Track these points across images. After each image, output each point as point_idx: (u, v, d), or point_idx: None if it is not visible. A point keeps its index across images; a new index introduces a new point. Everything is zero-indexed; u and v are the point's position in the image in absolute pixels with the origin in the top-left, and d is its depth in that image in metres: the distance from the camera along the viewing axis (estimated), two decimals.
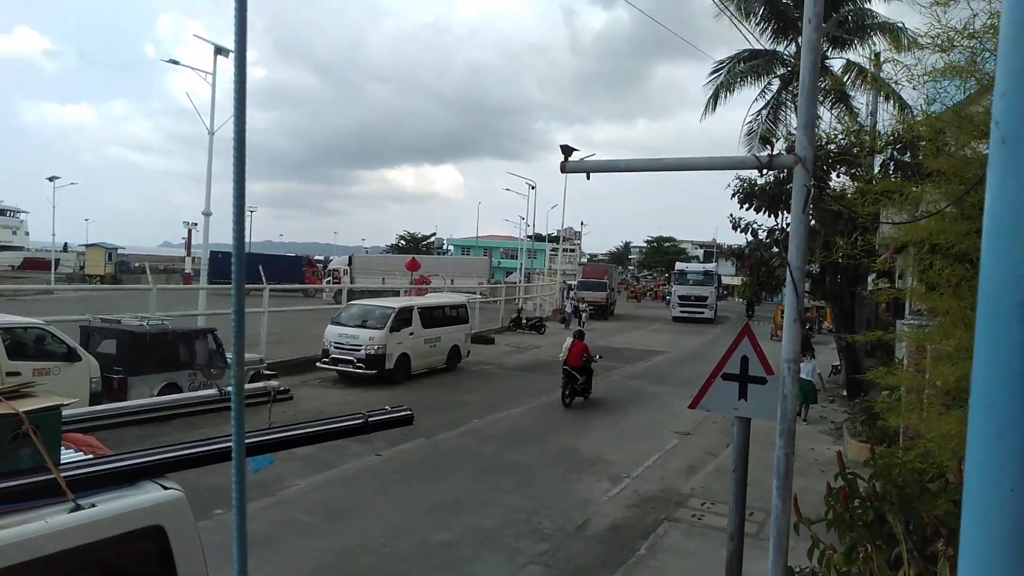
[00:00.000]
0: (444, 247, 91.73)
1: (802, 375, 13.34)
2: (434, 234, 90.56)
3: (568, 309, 37.08)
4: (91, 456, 2.97)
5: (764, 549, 5.28)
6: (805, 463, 11.35)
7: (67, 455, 2.91)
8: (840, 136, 13.15)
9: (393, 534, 8.31)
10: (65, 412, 2.90)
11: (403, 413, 3.98)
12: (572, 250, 65.20)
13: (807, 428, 14.36)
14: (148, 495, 2.74)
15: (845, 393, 18.39)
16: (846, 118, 16.36)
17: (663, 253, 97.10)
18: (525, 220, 51.72)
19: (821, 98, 18.15)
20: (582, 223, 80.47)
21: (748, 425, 4.61)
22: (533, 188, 47.93)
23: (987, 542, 0.79)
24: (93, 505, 2.54)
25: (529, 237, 52.86)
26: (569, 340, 16.54)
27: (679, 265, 51.19)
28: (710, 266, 49.47)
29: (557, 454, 12.16)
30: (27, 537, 2.35)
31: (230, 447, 3.05)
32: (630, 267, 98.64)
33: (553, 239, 58.52)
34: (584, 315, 36.66)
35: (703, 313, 42.71)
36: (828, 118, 18.86)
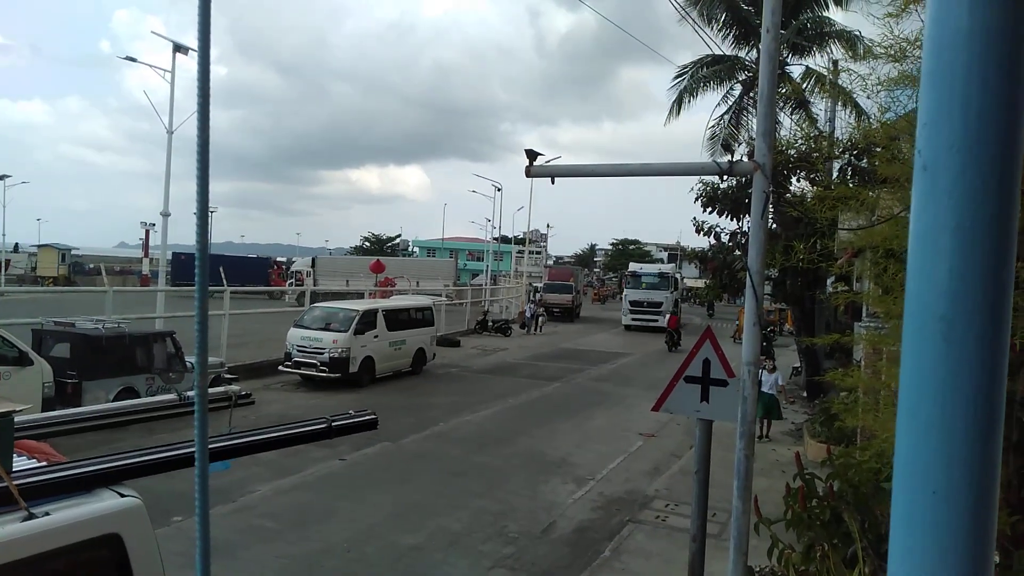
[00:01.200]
0: (409, 249, 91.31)
1: (764, 388, 13.01)
2: (399, 236, 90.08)
3: (528, 314, 35.87)
4: (45, 463, 2.91)
5: (726, 549, 5.37)
6: (767, 463, 11.56)
7: (19, 462, 2.84)
8: (799, 142, 13.43)
9: (359, 539, 8.24)
10: (17, 418, 2.83)
11: (367, 417, 3.96)
12: (538, 252, 65.41)
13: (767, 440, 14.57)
14: (104, 503, 2.69)
15: (805, 395, 18.77)
16: (805, 124, 16.72)
17: (628, 255, 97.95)
18: (491, 222, 51.76)
19: (781, 104, 18.53)
20: (548, 225, 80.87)
21: (710, 427, 4.69)
22: (499, 190, 48.02)
23: (912, 540, 0.84)
24: (47, 514, 2.49)
25: (495, 239, 52.89)
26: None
27: (632, 266, 44.80)
28: (668, 268, 43.16)
29: (523, 457, 12.19)
30: None
31: (189, 453, 3.02)
32: (596, 269, 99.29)
33: (519, 241, 58.63)
34: (542, 319, 35.79)
35: (656, 320, 36.03)
36: (788, 124, 19.25)
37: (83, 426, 3.96)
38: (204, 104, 1.25)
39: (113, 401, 10.99)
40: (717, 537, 8.34)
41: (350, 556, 7.79)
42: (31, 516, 2.44)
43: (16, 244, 67.60)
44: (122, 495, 2.75)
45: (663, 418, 15.13)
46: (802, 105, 20.07)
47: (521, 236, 59.41)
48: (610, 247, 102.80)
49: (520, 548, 8.27)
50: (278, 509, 9.03)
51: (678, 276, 41.76)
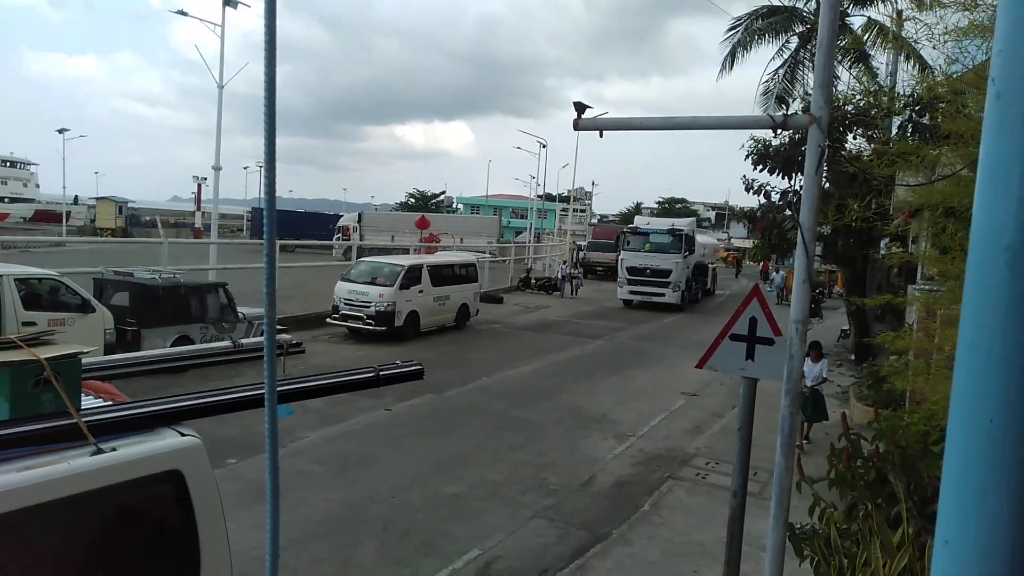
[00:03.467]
0: (454, 205, 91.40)
1: (808, 381, 10.38)
2: (444, 192, 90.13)
3: (559, 275, 32.28)
4: (110, 403, 3.05)
5: (766, 508, 5.37)
6: (815, 427, 11.45)
7: (87, 401, 2.98)
8: (858, 97, 12.93)
9: (403, 486, 8.49)
10: (84, 360, 2.97)
11: (414, 368, 4.04)
12: (583, 210, 64.80)
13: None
14: (166, 441, 2.81)
15: (853, 357, 18.44)
16: (865, 78, 16.06)
17: (675, 214, 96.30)
18: (535, 179, 51.41)
19: (840, 57, 17.78)
20: (593, 183, 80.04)
21: (755, 385, 4.66)
22: (544, 147, 47.52)
23: (966, 471, 0.84)
24: (114, 449, 2.62)
25: (539, 197, 52.58)
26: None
27: (637, 220, 35.41)
28: (684, 223, 31.55)
29: (564, 412, 12.31)
30: (51, 478, 2.43)
31: (247, 396, 3.13)
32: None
33: (563, 199, 58.17)
34: (577, 281, 32.54)
35: (663, 296, 28.25)
36: (846, 78, 18.49)
37: (143, 369, 4.13)
38: (271, 61, 1.28)
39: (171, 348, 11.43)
40: (757, 496, 8.36)
41: (394, 502, 8.04)
42: (99, 451, 2.58)
43: (76, 196, 69.89)
44: (183, 434, 2.88)
45: (705, 377, 15.05)
46: (862, 59, 19.24)
47: (565, 194, 58.94)
48: (656, 206, 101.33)
49: (560, 500, 8.42)
50: (326, 455, 9.34)
51: (694, 235, 31.42)
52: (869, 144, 12.03)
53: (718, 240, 46.23)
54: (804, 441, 11.06)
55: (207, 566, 2.82)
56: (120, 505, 2.76)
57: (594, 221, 67.64)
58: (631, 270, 28.85)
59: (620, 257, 30.03)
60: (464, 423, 11.27)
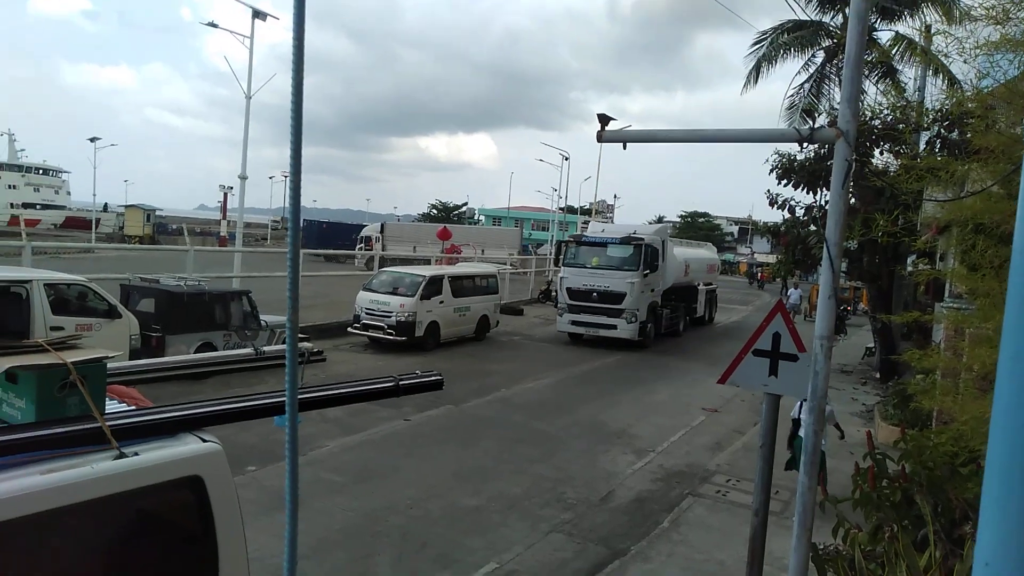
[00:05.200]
0: (475, 217, 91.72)
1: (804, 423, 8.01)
2: (466, 203, 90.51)
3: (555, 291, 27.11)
4: (134, 407, 3.08)
5: (788, 528, 5.29)
6: (834, 444, 11.26)
7: (111, 405, 3.01)
8: (885, 111, 12.80)
9: (421, 497, 8.48)
10: (109, 365, 3.00)
11: (433, 378, 4.03)
12: (604, 223, 64.60)
13: (837, 408, 14.12)
14: (188, 446, 2.83)
15: (878, 376, 18.15)
16: (892, 93, 15.90)
17: (697, 228, 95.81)
18: (557, 192, 51.44)
19: (867, 71, 17.65)
20: (615, 196, 79.92)
21: (777, 402, 4.59)
22: (567, 159, 47.60)
23: (1009, 490, 0.81)
24: (136, 454, 2.64)
25: (561, 209, 52.60)
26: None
27: (591, 227, 26.25)
28: (649, 232, 23.07)
29: (583, 426, 12.23)
30: (74, 481, 2.45)
31: (267, 404, 3.15)
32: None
33: (585, 211, 58.12)
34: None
35: (614, 328, 20.66)
36: (873, 92, 18.34)
37: (168, 374, 4.17)
38: (298, 76, 1.29)
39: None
40: (779, 515, 8.23)
41: (412, 513, 8.02)
42: (122, 455, 2.60)
43: (106, 204, 71.19)
44: (204, 440, 2.89)
45: (727, 394, 14.89)
46: (889, 73, 19.08)
47: (587, 207, 58.89)
48: (678, 219, 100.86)
49: (578, 514, 8.35)
50: (345, 464, 9.36)
51: (665, 247, 22.79)
52: (896, 159, 11.88)
53: (711, 254, 32.14)
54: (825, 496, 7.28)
55: (225, 572, 2.82)
56: (141, 509, 2.77)
57: (690, 241, 67.62)
58: (573, 293, 21.14)
59: (560, 276, 22.27)
60: (483, 435, 11.24)
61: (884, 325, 17.11)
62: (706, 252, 30.91)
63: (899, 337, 18.44)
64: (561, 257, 22.44)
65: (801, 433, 7.92)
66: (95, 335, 10.71)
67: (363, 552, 6.99)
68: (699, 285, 27.08)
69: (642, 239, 21.34)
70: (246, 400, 3.17)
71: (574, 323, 21.20)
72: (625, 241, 21.40)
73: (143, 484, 2.65)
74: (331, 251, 38.66)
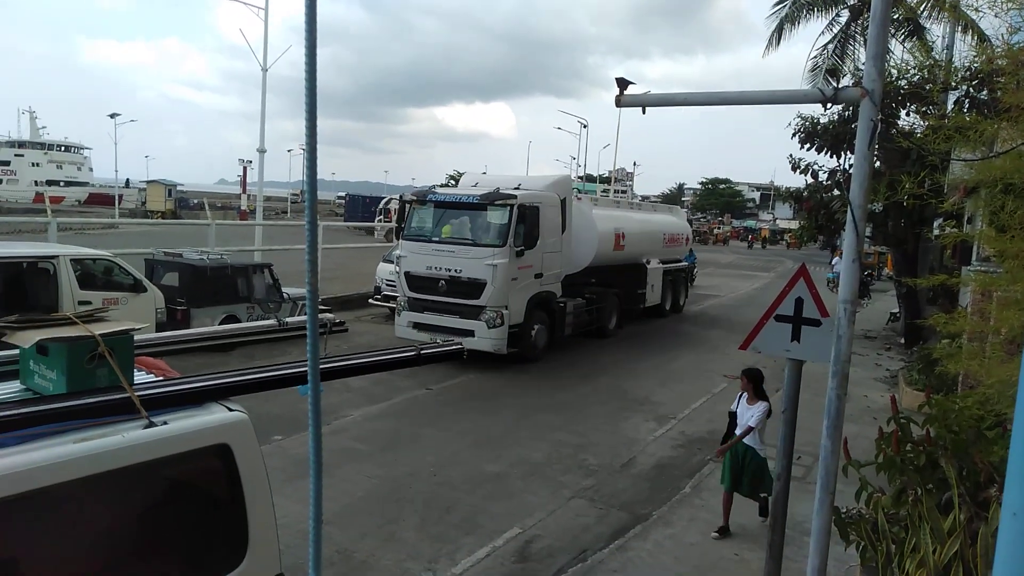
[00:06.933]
0: None
1: (738, 428, 7.50)
2: (484, 174, 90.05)
3: None
4: (161, 378, 3.14)
5: (810, 492, 5.28)
6: (857, 410, 11.22)
7: (139, 376, 3.07)
8: (912, 71, 12.47)
9: (443, 464, 8.59)
10: (136, 337, 3.06)
11: (454, 347, 4.07)
12: (623, 191, 64.19)
13: (861, 374, 14.05)
14: (215, 415, 2.89)
15: (903, 341, 17.97)
16: (918, 53, 15.48)
17: (718, 195, 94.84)
18: (576, 160, 51.01)
19: (893, 29, 17.16)
20: (635, 164, 79.15)
21: (800, 367, 4.57)
22: (585, 127, 47.12)
23: None
24: (165, 423, 2.70)
25: (580, 178, 52.21)
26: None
27: (435, 193, 15.22)
28: (535, 185, 14.90)
29: (605, 394, 12.27)
30: (106, 450, 2.51)
31: (291, 374, 3.19)
32: (684, 209, 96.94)
33: (604, 180, 57.66)
34: None
35: (471, 333, 12.98)
36: (899, 52, 17.87)
37: (193, 346, 4.24)
38: (312, 49, 1.28)
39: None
40: (802, 480, 8.24)
41: (435, 479, 8.14)
42: (151, 424, 2.66)
43: (128, 180, 71.87)
44: (231, 409, 2.95)
45: (748, 360, 14.83)
46: (916, 31, 18.54)
47: (606, 175, 58.41)
48: (699, 186, 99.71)
49: (600, 480, 8.42)
50: (368, 433, 9.49)
51: (559, 211, 14.81)
52: (923, 120, 11.61)
53: (674, 220, 22.94)
54: (726, 525, 7.15)
55: (254, 537, 2.89)
56: (171, 477, 2.84)
57: (636, 201, 67.04)
58: (414, 280, 14.05)
59: (397, 253, 14.69)
60: (504, 403, 11.33)
61: (909, 290, 16.89)
62: (664, 217, 22.35)
63: (924, 302, 18.20)
64: (402, 226, 14.56)
65: (737, 431, 7.31)
66: (121, 309, 10.89)
67: (388, 517, 7.12)
68: (648, 263, 19.48)
69: (513, 196, 13.46)
70: (270, 370, 3.22)
71: (416, 325, 13.80)
72: (486, 201, 13.58)
73: (172, 452, 2.71)
74: (372, 224, 39.74)
